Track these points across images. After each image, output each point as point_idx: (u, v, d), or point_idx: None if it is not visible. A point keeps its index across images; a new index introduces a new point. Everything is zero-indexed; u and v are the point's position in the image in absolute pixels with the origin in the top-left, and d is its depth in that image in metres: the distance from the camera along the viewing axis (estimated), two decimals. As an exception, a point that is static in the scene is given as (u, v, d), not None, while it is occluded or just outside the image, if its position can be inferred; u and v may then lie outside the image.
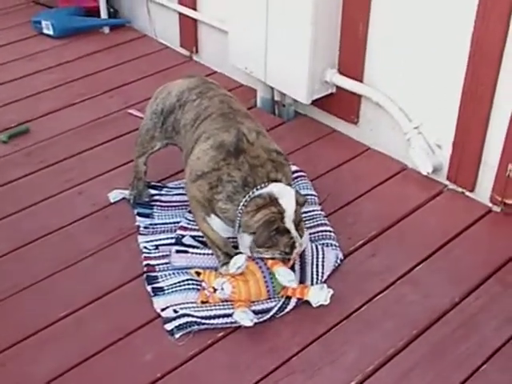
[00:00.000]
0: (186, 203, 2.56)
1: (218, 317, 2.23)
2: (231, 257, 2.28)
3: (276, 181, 2.23)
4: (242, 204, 2.18)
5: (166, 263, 2.44)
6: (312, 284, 2.35)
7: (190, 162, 2.34)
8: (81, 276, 2.45)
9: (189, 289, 2.32)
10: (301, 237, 2.24)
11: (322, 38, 2.96)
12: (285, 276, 2.21)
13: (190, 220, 2.56)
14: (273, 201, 2.18)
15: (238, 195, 2.20)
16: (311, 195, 2.75)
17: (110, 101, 3.54)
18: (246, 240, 2.23)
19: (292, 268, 2.30)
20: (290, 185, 2.28)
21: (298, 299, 2.28)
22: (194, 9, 3.79)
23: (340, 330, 2.23)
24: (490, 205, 2.74)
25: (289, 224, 2.20)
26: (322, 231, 2.57)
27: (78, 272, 2.46)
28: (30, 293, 2.38)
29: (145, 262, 2.45)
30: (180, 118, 2.50)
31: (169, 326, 2.21)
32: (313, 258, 2.42)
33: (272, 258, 2.24)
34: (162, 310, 2.27)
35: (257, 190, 2.19)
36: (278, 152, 2.32)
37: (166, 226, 2.63)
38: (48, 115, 3.42)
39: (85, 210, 2.75)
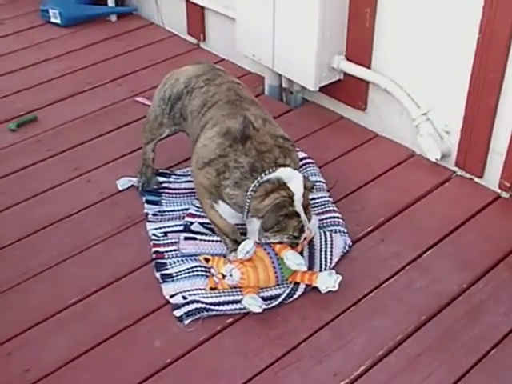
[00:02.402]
0: (194, 190, 2.56)
1: (227, 303, 2.24)
2: (239, 244, 2.28)
3: (284, 166, 2.23)
4: (250, 189, 2.19)
5: (175, 250, 2.45)
6: (320, 270, 2.36)
7: (197, 149, 2.34)
8: (90, 263, 2.46)
9: (197, 275, 2.33)
10: (309, 220, 2.25)
11: (330, 24, 2.95)
12: (293, 260, 2.21)
13: (198, 207, 2.56)
14: (282, 185, 2.19)
15: (246, 181, 2.20)
16: (319, 182, 2.75)
17: (117, 89, 3.55)
18: (255, 225, 2.23)
19: (301, 254, 2.30)
20: (297, 170, 2.28)
21: (307, 285, 2.29)
22: (201, -4, 3.79)
23: (349, 315, 2.24)
24: (499, 191, 2.74)
25: (298, 208, 2.20)
26: (330, 218, 2.57)
27: (88, 259, 2.48)
28: (40, 280, 2.39)
29: (153, 249, 2.46)
30: (187, 105, 2.50)
31: (178, 313, 2.22)
32: (321, 245, 2.42)
33: (280, 243, 2.25)
34: (171, 296, 2.28)
35: (265, 175, 2.19)
36: (284, 138, 2.32)
37: (174, 213, 2.64)
38: (56, 103, 3.42)
39: (93, 198, 2.76)
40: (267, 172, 2.20)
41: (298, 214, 2.20)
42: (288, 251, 2.23)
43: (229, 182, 2.23)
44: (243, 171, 2.21)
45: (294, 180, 2.20)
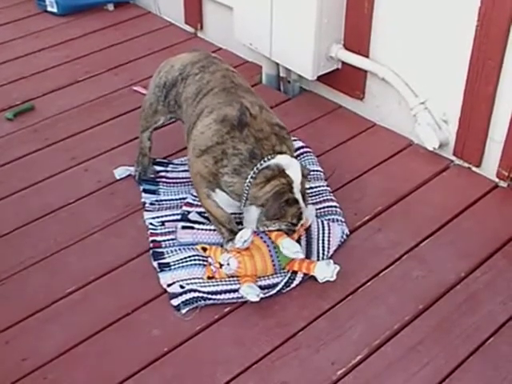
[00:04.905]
0: (191, 179, 2.55)
1: (225, 292, 2.24)
2: (235, 233, 2.28)
3: (281, 153, 2.23)
4: (250, 176, 2.19)
5: (172, 239, 2.44)
6: (318, 259, 2.36)
7: (194, 137, 2.33)
8: (87, 252, 2.45)
9: (195, 264, 2.33)
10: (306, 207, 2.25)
11: (328, 13, 2.94)
12: (290, 248, 2.21)
13: (195, 196, 2.55)
14: (281, 172, 2.19)
15: (246, 168, 2.20)
16: (317, 171, 2.74)
17: (115, 78, 3.54)
18: (253, 213, 2.23)
19: (298, 243, 2.29)
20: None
21: (304, 274, 2.29)
22: (199, -15, 3.78)
23: (346, 304, 2.24)
24: (497, 180, 2.74)
25: (297, 194, 2.21)
26: (328, 207, 2.57)
27: (85, 248, 2.47)
28: (37, 269, 2.39)
29: (151, 238, 2.46)
30: (182, 92, 2.49)
31: (175, 302, 2.22)
32: (319, 234, 2.42)
33: (278, 230, 2.25)
34: (169, 285, 2.28)
35: (264, 161, 2.19)
36: (280, 126, 2.32)
37: (171, 202, 2.63)
38: (53, 93, 3.41)
39: (91, 187, 2.75)
40: (266, 159, 2.19)
41: (297, 201, 2.21)
42: (284, 239, 2.23)
43: (227, 169, 2.23)
44: (242, 158, 2.20)
45: (292, 167, 2.21)
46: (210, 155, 2.25)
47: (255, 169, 2.19)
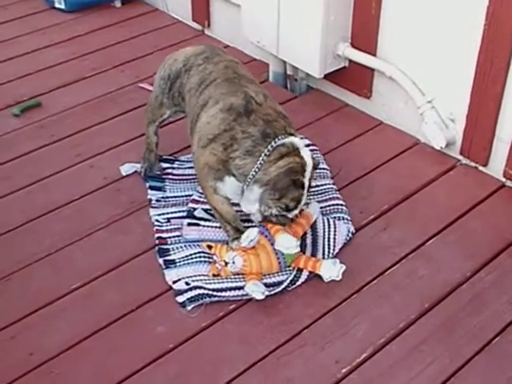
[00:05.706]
0: (197, 174, 2.55)
1: (230, 289, 2.24)
2: (241, 232, 2.28)
3: (292, 135, 2.23)
4: (263, 154, 2.17)
5: (178, 236, 2.45)
6: (324, 257, 2.35)
7: (199, 128, 2.32)
8: (93, 249, 2.46)
9: (200, 261, 2.33)
10: (307, 204, 2.25)
11: (335, 10, 2.94)
12: (284, 244, 2.21)
13: (201, 193, 2.55)
14: (295, 150, 2.19)
15: (259, 147, 2.18)
16: (323, 169, 2.74)
17: (121, 75, 3.54)
18: (255, 192, 2.20)
19: (303, 241, 2.29)
20: None
21: (310, 272, 2.28)
22: (206, -18, 3.77)
23: (351, 303, 2.24)
24: (503, 180, 2.73)
25: (306, 179, 2.20)
26: (334, 205, 2.57)
27: (91, 245, 2.48)
28: (43, 265, 2.39)
29: (156, 235, 2.46)
30: (185, 83, 2.49)
31: (180, 299, 2.22)
32: (324, 232, 2.42)
33: (274, 218, 2.24)
34: (174, 282, 2.28)
35: (278, 139, 2.18)
36: (284, 115, 2.32)
37: (177, 199, 2.63)
38: (60, 89, 3.41)
39: (96, 184, 2.75)
40: (280, 137, 2.19)
41: (303, 186, 2.20)
42: (280, 235, 2.23)
43: (238, 152, 2.21)
44: (254, 139, 2.19)
45: (304, 150, 2.21)
46: (217, 143, 2.23)
47: (269, 146, 2.17)
